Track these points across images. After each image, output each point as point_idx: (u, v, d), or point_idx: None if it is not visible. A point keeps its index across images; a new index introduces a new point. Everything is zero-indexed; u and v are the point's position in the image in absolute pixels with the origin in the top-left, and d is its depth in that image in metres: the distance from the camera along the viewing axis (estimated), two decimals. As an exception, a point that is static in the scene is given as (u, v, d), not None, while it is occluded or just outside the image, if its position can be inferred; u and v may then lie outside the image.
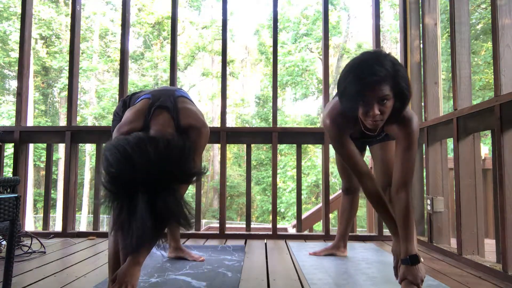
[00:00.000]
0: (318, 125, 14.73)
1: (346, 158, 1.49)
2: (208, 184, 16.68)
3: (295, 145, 2.86)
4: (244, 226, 2.79)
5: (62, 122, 14.00)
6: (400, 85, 1.23)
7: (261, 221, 14.52)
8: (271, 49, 3.07)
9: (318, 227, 6.71)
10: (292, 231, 4.08)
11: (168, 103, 1.44)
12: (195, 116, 1.47)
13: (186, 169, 1.05)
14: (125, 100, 1.69)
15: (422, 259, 1.36)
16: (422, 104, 2.60)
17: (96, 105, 13.68)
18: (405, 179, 1.41)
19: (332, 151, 3.49)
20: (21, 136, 2.71)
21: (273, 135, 2.74)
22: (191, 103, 1.56)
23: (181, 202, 1.03)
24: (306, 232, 3.27)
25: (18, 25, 11.87)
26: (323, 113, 1.54)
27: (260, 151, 15.34)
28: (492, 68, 1.76)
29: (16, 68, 3.22)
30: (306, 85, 14.64)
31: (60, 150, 12.78)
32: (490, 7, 1.75)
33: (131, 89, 10.94)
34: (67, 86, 2.91)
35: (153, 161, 0.99)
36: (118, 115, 1.69)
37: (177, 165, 1.03)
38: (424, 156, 2.47)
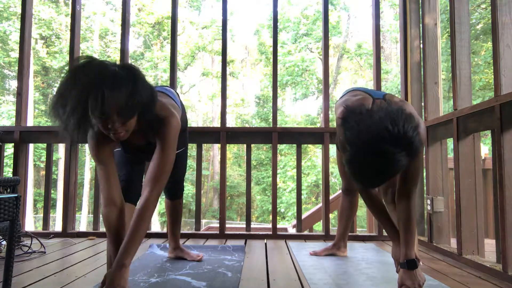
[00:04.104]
0: (318, 125, 14.73)
1: None
2: (208, 184, 16.69)
3: (295, 145, 2.86)
4: (244, 226, 2.79)
5: (62, 122, 13.96)
6: (414, 153, 1.14)
7: (261, 221, 14.52)
8: (271, 49, 3.07)
9: (318, 227, 6.70)
10: (292, 231, 4.07)
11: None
12: (164, 107, 1.47)
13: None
14: None
15: (421, 264, 1.35)
16: (422, 104, 2.59)
17: (96, 105, 13.64)
18: (409, 187, 1.40)
19: (332, 151, 3.47)
20: (21, 136, 2.71)
21: (273, 135, 2.74)
22: (166, 96, 1.55)
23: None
24: (306, 232, 3.27)
25: (18, 25, 11.86)
26: (337, 104, 1.55)
27: (260, 151, 15.34)
28: (492, 68, 1.76)
29: (16, 68, 3.21)
30: (306, 85, 14.63)
31: (60, 150, 12.77)
32: (490, 7, 1.75)
33: (131, 89, 10.87)
34: (67, 86, 2.91)
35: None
36: None
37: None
38: (424, 156, 2.47)
